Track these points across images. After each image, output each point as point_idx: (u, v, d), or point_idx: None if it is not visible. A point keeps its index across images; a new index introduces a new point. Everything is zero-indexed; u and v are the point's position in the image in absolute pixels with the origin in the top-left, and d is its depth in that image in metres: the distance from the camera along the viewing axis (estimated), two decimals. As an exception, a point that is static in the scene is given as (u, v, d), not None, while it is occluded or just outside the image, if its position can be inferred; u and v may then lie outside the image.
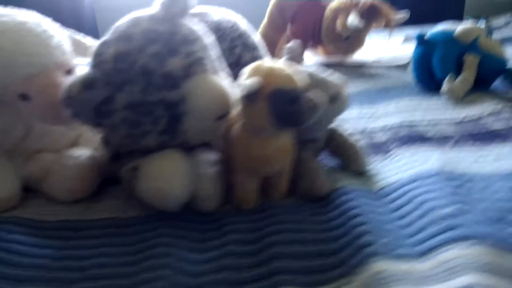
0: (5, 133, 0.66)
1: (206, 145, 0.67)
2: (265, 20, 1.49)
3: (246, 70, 0.56)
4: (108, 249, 0.57)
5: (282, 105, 0.53)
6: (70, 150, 0.68)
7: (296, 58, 0.63)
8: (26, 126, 0.67)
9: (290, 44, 0.63)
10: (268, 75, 0.53)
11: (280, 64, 0.56)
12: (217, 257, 0.54)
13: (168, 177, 0.57)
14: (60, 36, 0.65)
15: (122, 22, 0.58)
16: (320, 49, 1.49)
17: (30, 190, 0.69)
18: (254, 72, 0.54)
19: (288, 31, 1.44)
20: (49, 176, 0.67)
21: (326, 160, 0.72)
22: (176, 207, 0.59)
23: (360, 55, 1.39)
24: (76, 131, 0.73)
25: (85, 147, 0.70)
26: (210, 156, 0.65)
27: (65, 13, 1.85)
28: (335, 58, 1.40)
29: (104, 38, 0.58)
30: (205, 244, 0.57)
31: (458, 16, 1.88)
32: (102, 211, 0.65)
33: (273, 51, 1.34)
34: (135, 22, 0.57)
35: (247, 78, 0.54)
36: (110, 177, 0.71)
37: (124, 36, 0.56)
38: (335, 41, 1.34)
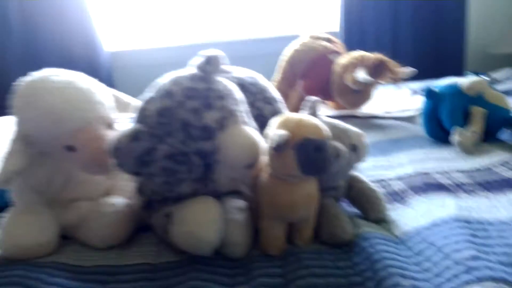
0: (47, 183, 0.71)
1: (234, 193, 0.72)
2: (277, 76, 1.58)
3: (275, 121, 0.61)
4: (142, 292, 0.60)
5: (309, 153, 0.58)
6: (107, 198, 0.72)
7: (316, 112, 0.69)
8: (66, 176, 0.72)
9: (310, 98, 0.68)
10: (298, 125, 0.59)
11: (305, 116, 0.61)
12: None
13: (202, 222, 0.61)
14: (103, 93, 0.72)
15: (164, 81, 0.64)
16: (330, 103, 1.56)
17: (64, 237, 0.73)
18: (284, 123, 0.60)
19: (299, 86, 1.52)
20: (86, 223, 0.71)
21: (346, 207, 0.76)
22: (208, 251, 0.63)
23: (368, 108, 1.46)
24: (110, 181, 0.78)
25: (119, 196, 0.74)
26: (238, 203, 0.69)
27: (82, 70, 1.96)
28: (345, 111, 1.47)
29: (148, 95, 0.64)
30: (235, 286, 0.60)
31: (458, 71, 1.97)
32: (135, 257, 0.68)
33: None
34: (176, 81, 0.63)
35: (276, 129, 0.59)
36: (141, 225, 0.74)
37: (167, 93, 0.62)
38: (344, 94, 1.41)
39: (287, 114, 0.62)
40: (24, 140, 0.67)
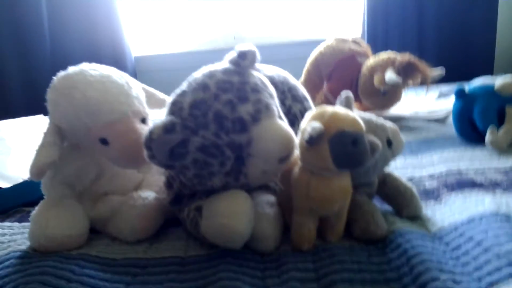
0: (80, 176, 0.72)
1: (264, 187, 0.71)
2: (302, 78, 1.57)
3: (309, 114, 0.61)
4: (172, 284, 0.59)
5: (344, 146, 0.57)
6: (137, 192, 0.73)
7: (351, 107, 0.68)
8: (98, 170, 0.73)
9: (344, 93, 0.67)
10: (333, 118, 0.58)
11: (341, 109, 0.60)
12: (278, 292, 0.55)
13: (234, 214, 0.60)
14: (137, 87, 0.72)
15: (197, 74, 0.64)
16: (356, 105, 1.54)
17: (92, 231, 0.73)
18: (318, 116, 0.59)
19: (324, 88, 1.51)
20: (116, 216, 0.71)
21: (379, 204, 0.74)
22: (239, 244, 0.62)
23: (396, 110, 1.44)
24: (140, 176, 0.78)
25: (149, 190, 0.74)
26: (268, 198, 0.68)
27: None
28: (373, 113, 1.45)
29: (181, 88, 0.64)
30: (266, 280, 0.59)
31: (488, 73, 1.92)
32: (164, 250, 0.68)
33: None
34: (210, 74, 0.63)
35: (309, 122, 0.58)
36: (168, 219, 0.74)
37: (201, 86, 0.61)
38: (372, 96, 1.39)
39: (322, 107, 0.61)
40: (57, 133, 0.68)
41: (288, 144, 0.60)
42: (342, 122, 0.58)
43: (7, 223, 0.79)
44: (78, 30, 2.20)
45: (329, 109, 0.59)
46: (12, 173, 0.90)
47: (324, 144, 0.57)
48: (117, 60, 2.21)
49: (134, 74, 2.31)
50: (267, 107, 0.61)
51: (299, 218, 0.64)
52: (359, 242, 0.65)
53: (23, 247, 0.69)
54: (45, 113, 1.25)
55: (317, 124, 0.56)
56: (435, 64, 1.33)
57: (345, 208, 0.64)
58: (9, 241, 0.72)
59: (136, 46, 2.37)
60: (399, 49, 1.40)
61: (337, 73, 1.47)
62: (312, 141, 0.57)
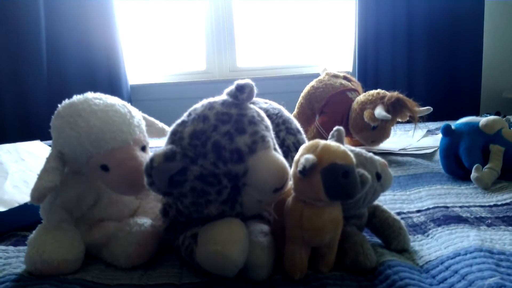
0: (78, 201, 0.74)
1: (257, 217, 0.73)
2: (295, 111, 1.62)
3: (302, 147, 0.64)
4: (166, 311, 0.60)
5: (336, 178, 0.59)
6: (134, 219, 0.74)
7: (342, 141, 0.71)
8: (96, 195, 0.74)
9: (336, 128, 0.70)
10: (325, 150, 0.61)
11: (333, 142, 0.64)
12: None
13: (228, 242, 0.62)
14: (138, 116, 0.75)
15: (198, 106, 0.67)
16: (347, 140, 1.58)
17: (89, 257, 0.74)
18: (311, 148, 0.62)
19: (317, 122, 1.55)
20: (111, 242, 0.72)
21: (369, 237, 0.76)
22: (233, 272, 0.63)
23: (385, 145, 1.48)
24: (136, 203, 0.80)
25: (145, 217, 0.76)
26: (262, 227, 0.70)
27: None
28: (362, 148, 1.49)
29: (181, 119, 0.67)
30: (258, 310, 0.60)
31: (475, 114, 1.99)
32: (158, 277, 0.69)
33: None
34: (210, 106, 0.66)
35: (303, 154, 0.61)
36: (163, 247, 0.76)
37: (201, 117, 0.64)
38: (362, 131, 1.44)
39: (315, 140, 0.64)
40: (59, 158, 0.70)
41: (282, 175, 0.63)
42: (333, 155, 0.61)
43: (2, 247, 0.79)
44: (75, 59, 2.24)
45: (321, 142, 0.62)
46: (8, 197, 0.91)
47: (317, 175, 0.60)
48: (113, 87, 2.25)
49: (130, 102, 2.34)
50: (263, 139, 0.64)
51: (292, 248, 0.66)
52: (349, 273, 0.66)
53: (19, 270, 0.70)
54: (42, 139, 1.27)
55: (310, 156, 0.59)
56: (423, 103, 1.39)
57: (336, 238, 0.66)
58: (4, 265, 0.73)
59: (132, 75, 2.42)
60: (389, 86, 1.46)
61: (328, 108, 1.52)
62: (305, 172, 0.59)
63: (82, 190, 0.73)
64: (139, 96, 2.40)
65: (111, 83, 2.26)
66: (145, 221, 0.74)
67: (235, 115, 0.65)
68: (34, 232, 0.71)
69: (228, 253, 0.61)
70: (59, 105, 0.73)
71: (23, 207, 0.87)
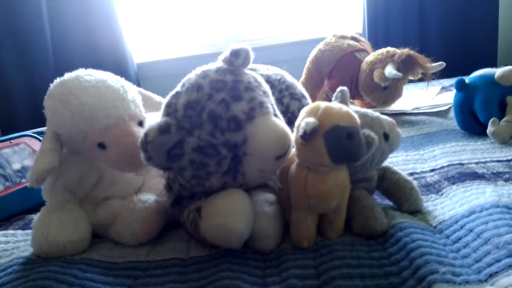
0: (80, 182, 0.72)
1: (263, 186, 0.71)
2: (303, 77, 1.57)
3: (303, 110, 0.60)
4: (174, 285, 0.59)
5: (339, 140, 0.56)
6: (137, 195, 0.73)
7: (346, 102, 0.67)
8: (98, 175, 0.73)
9: (341, 88, 0.67)
10: (326, 113, 0.57)
11: (335, 103, 0.60)
12: (278, 290, 0.55)
13: (231, 213, 0.60)
14: (133, 91, 0.73)
15: (191, 75, 0.64)
16: (357, 102, 1.54)
17: (95, 236, 0.74)
18: (312, 111, 0.59)
19: (325, 86, 1.51)
20: (117, 220, 0.71)
21: (379, 200, 0.74)
22: (238, 244, 0.62)
23: (397, 105, 1.43)
24: (140, 180, 0.79)
25: (148, 194, 0.75)
26: (267, 196, 0.68)
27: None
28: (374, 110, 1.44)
29: (175, 90, 0.64)
30: (266, 279, 0.59)
31: (492, 67, 1.91)
32: (165, 252, 0.68)
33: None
34: (204, 74, 0.63)
35: (304, 118, 0.58)
36: (170, 221, 0.75)
37: (194, 86, 0.62)
38: (373, 92, 1.39)
39: (316, 102, 0.61)
40: (55, 139, 0.69)
41: (283, 141, 0.60)
42: (336, 116, 0.57)
43: (10, 231, 0.79)
44: (80, 41, 2.22)
45: (322, 104, 0.59)
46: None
47: (319, 139, 0.57)
48: (120, 68, 2.23)
49: (137, 81, 2.32)
50: (261, 105, 0.61)
51: (298, 216, 0.64)
52: (359, 238, 0.64)
53: (26, 253, 0.69)
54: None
55: (310, 119, 0.56)
56: (436, 59, 1.33)
57: (343, 204, 0.64)
58: (12, 249, 0.73)
59: (138, 53, 2.39)
60: (401, 45, 1.40)
61: (337, 71, 1.47)
62: (306, 137, 0.57)
63: (82, 170, 0.72)
64: (147, 74, 2.37)
65: (117, 64, 2.24)
66: (148, 197, 0.73)
67: (230, 82, 0.62)
68: (38, 214, 0.71)
69: (231, 225, 0.59)
70: (50, 85, 0.71)
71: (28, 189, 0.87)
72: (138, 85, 2.27)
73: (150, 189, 0.77)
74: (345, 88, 0.67)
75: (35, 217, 0.71)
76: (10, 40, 2.13)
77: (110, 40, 2.24)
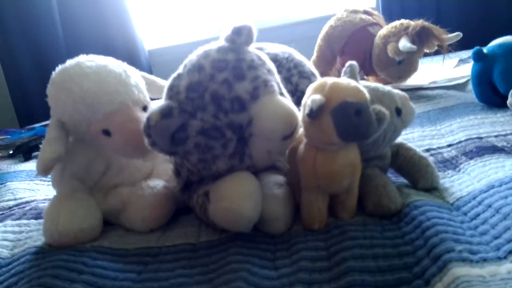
0: (88, 170, 0.72)
1: (273, 168, 0.69)
2: (314, 55, 1.54)
3: (310, 87, 0.58)
4: (184, 270, 0.59)
5: (348, 117, 0.54)
6: (146, 182, 0.72)
7: (355, 77, 0.65)
8: (106, 162, 0.72)
9: (349, 63, 0.64)
10: (333, 89, 0.55)
11: (343, 79, 0.58)
12: (289, 273, 0.54)
13: (239, 196, 0.59)
14: (136, 76, 0.71)
15: (193, 56, 0.62)
16: (371, 79, 1.50)
17: (107, 224, 0.73)
18: (319, 88, 0.56)
19: (338, 63, 1.47)
20: (127, 207, 0.71)
21: (393, 177, 0.71)
22: (247, 227, 0.60)
23: (413, 80, 1.38)
24: (149, 166, 0.78)
25: (157, 180, 0.74)
26: (277, 178, 0.66)
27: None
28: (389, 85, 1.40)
29: (177, 72, 0.62)
30: (276, 261, 0.57)
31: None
32: (176, 238, 0.67)
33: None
34: (205, 54, 0.61)
35: (310, 95, 0.56)
36: (181, 207, 0.74)
37: (196, 67, 0.60)
38: (387, 67, 1.35)
39: (323, 79, 0.58)
40: (60, 128, 0.68)
41: (290, 120, 0.58)
42: (343, 92, 0.55)
43: (24, 221, 0.80)
44: (91, 30, 2.22)
45: (329, 80, 0.57)
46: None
47: (327, 117, 0.55)
48: (131, 55, 2.22)
49: (149, 68, 2.31)
50: (266, 84, 0.59)
51: (308, 197, 0.62)
52: (373, 218, 0.62)
53: (39, 243, 0.70)
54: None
55: (317, 96, 0.54)
56: (454, 30, 1.27)
57: (355, 183, 0.61)
58: (26, 238, 0.73)
59: (149, 40, 2.37)
60: (416, 17, 1.34)
61: (349, 47, 1.43)
62: (312, 115, 0.54)
63: (90, 158, 0.71)
64: (158, 60, 2.36)
65: (129, 51, 2.23)
66: (157, 183, 0.72)
67: (233, 60, 0.60)
68: (48, 204, 0.71)
69: (238, 208, 0.58)
70: (53, 72, 0.70)
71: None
72: (150, 72, 2.26)
73: (159, 175, 0.76)
74: (354, 62, 0.64)
75: (46, 206, 0.71)
76: (21, 33, 2.14)
77: (120, 27, 2.23)
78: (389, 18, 1.62)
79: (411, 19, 1.33)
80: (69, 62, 0.69)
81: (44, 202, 0.87)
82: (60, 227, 0.66)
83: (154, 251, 0.64)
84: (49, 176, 0.73)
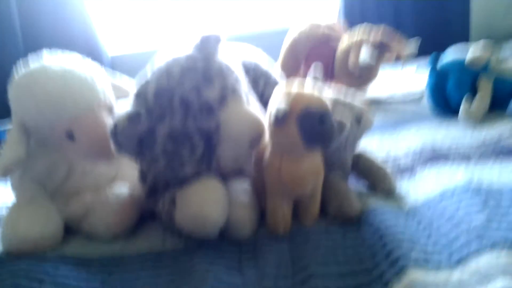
0: (49, 174, 0.70)
1: (239, 174, 0.70)
2: (279, 62, 1.56)
3: (275, 94, 0.60)
4: (149, 279, 0.59)
5: (311, 124, 0.56)
6: (110, 187, 0.71)
7: (318, 74, 0.66)
8: (68, 166, 0.71)
9: (315, 64, 0.66)
10: (298, 97, 0.57)
11: (308, 85, 0.60)
12: (254, 278, 0.55)
13: (205, 202, 0.59)
14: (102, 79, 0.71)
15: (161, 62, 0.63)
16: (335, 84, 1.54)
17: (69, 230, 0.72)
18: (284, 96, 0.58)
19: (301, 72, 1.51)
20: (90, 213, 0.69)
21: (354, 183, 0.74)
22: (213, 233, 0.61)
23: (373, 89, 1.44)
24: (113, 170, 0.76)
25: (122, 185, 0.73)
26: (243, 184, 0.67)
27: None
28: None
29: (144, 78, 0.62)
30: (243, 268, 0.58)
31: (465, 41, 1.91)
32: (140, 245, 0.67)
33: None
34: (174, 61, 0.62)
35: (276, 102, 0.58)
36: (145, 213, 0.73)
37: (164, 73, 0.60)
38: (349, 78, 1.39)
39: (286, 86, 0.60)
40: (21, 130, 0.66)
41: (256, 126, 0.60)
42: (307, 101, 0.57)
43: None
44: (52, 34, 2.15)
45: (294, 90, 0.59)
46: None
47: (292, 123, 0.57)
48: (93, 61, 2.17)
49: (112, 74, 2.27)
50: (234, 91, 0.61)
51: (273, 202, 0.63)
52: (335, 223, 0.64)
53: (-3, 251, 0.67)
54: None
55: (282, 105, 0.56)
56: (411, 34, 1.32)
57: (318, 189, 0.64)
58: (-18, 246, 0.70)
59: (112, 46, 2.33)
60: (376, 19, 1.38)
61: (313, 57, 1.47)
62: (278, 122, 0.56)
63: (51, 162, 0.69)
64: (122, 67, 2.32)
65: (91, 57, 2.18)
66: (121, 189, 0.71)
67: (201, 68, 0.61)
68: (7, 210, 0.68)
69: (205, 214, 0.59)
70: (15, 74, 0.68)
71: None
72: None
73: (124, 180, 0.75)
74: (317, 63, 0.66)
75: (4, 213, 0.69)
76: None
77: (81, 33, 2.18)
78: (350, 20, 1.67)
79: (370, 20, 1.37)
80: (33, 64, 0.68)
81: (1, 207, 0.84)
82: (19, 233, 0.65)
83: (118, 259, 0.64)
84: (8, 179, 0.71)
